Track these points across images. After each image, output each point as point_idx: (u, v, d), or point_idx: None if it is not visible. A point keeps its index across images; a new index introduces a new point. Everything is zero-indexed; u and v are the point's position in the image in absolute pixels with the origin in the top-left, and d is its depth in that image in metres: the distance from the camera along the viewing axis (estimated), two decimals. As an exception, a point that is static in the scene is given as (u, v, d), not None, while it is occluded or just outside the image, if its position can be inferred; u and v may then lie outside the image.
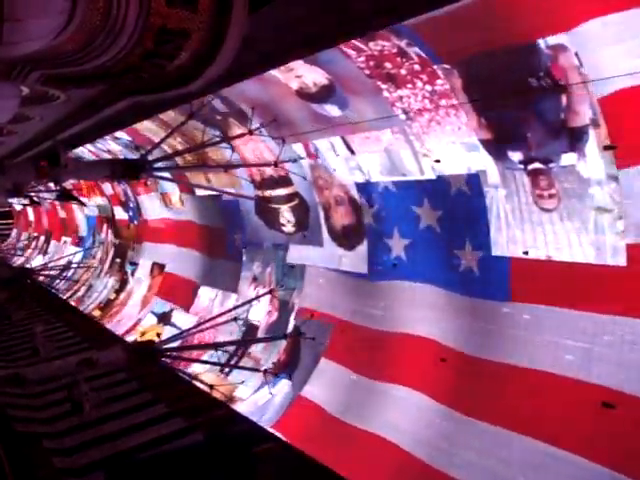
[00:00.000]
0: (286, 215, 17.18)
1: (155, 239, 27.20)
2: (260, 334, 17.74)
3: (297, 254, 17.16)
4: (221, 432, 9.88)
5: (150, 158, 10.75)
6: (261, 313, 18.05)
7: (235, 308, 14.66)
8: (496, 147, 10.69)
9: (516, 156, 10.38)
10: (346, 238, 15.31)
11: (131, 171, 9.94)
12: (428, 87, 10.72)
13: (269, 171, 16.01)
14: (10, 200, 39.16)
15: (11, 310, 20.91)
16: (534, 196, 10.41)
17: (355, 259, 15.12)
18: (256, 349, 17.40)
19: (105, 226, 33.35)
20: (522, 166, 10.33)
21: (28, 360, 14.61)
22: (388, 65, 10.80)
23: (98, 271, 32.28)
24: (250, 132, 11.64)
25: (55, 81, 8.91)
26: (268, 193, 17.16)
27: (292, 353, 16.33)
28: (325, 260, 16.03)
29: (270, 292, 16.20)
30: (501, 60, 9.23)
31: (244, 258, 20.11)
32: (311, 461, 9.59)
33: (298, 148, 14.67)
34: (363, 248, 14.87)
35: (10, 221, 51.71)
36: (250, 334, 17.75)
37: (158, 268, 26.79)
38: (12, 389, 12.33)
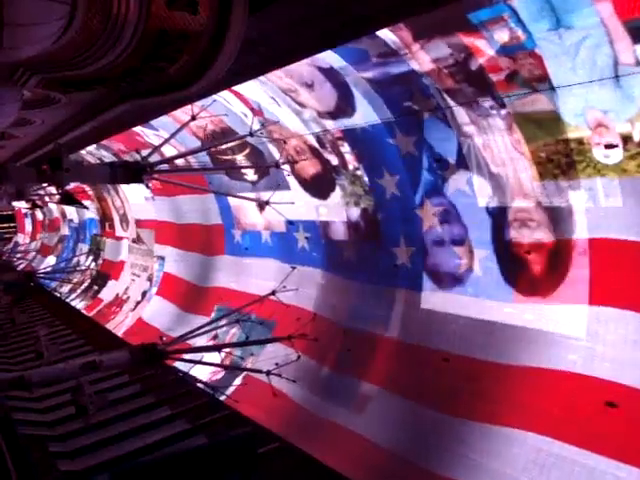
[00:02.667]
0: (244, 164, 17.13)
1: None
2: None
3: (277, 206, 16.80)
4: (225, 434, 9.88)
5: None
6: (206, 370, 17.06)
7: (235, 311, 14.63)
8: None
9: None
10: (317, 187, 15.25)
11: (132, 174, 9.94)
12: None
13: (210, 126, 15.82)
14: (14, 203, 39.29)
15: (15, 313, 20.97)
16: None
17: (332, 208, 15.14)
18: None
19: (92, 256, 33.46)
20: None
21: (32, 363, 14.66)
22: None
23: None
24: (251, 134, 11.91)
25: (56, 85, 8.92)
26: (217, 147, 17.17)
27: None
28: (303, 213, 15.94)
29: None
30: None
31: (213, 314, 19.93)
32: (315, 462, 9.60)
33: (238, 106, 14.45)
34: (337, 195, 14.76)
35: (13, 224, 51.70)
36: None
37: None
38: (17, 392, 12.35)
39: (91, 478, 10.16)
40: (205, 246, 22.38)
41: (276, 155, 15.67)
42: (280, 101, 13.77)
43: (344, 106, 12.72)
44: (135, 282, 27.84)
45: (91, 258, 32.91)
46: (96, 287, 31.25)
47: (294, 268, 16.39)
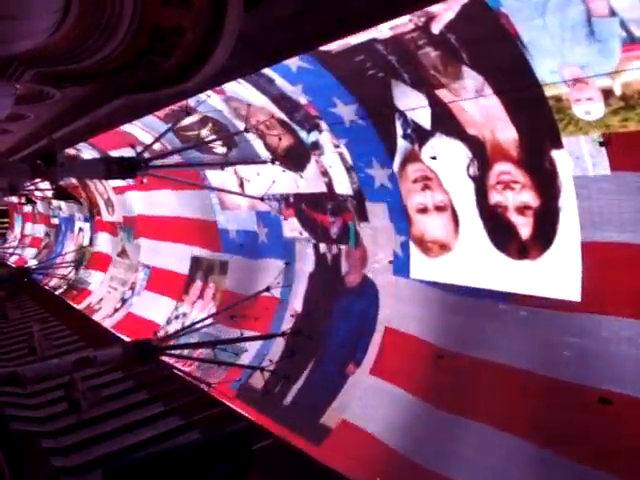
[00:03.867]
0: (209, 138, 16.92)
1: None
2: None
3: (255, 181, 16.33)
4: (218, 430, 9.89)
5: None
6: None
7: (232, 306, 14.65)
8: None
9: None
10: (292, 160, 14.98)
11: (127, 169, 9.92)
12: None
13: (172, 106, 15.57)
14: (7, 199, 39.11)
15: (8, 309, 20.93)
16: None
17: (311, 179, 14.89)
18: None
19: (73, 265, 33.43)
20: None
21: (25, 359, 14.64)
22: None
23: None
24: (246, 130, 11.95)
25: (50, 79, 8.88)
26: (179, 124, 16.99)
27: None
28: (282, 186, 15.65)
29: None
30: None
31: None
32: (309, 458, 9.63)
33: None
34: (312, 165, 14.57)
35: (6, 220, 51.36)
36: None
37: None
38: (9, 388, 12.33)
39: (84, 474, 10.16)
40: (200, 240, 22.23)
41: (240, 127, 15.42)
42: (240, 79, 13.55)
43: (311, 80, 12.52)
44: (111, 294, 27.83)
45: (71, 267, 32.94)
46: (75, 292, 31.32)
47: (287, 264, 16.40)
